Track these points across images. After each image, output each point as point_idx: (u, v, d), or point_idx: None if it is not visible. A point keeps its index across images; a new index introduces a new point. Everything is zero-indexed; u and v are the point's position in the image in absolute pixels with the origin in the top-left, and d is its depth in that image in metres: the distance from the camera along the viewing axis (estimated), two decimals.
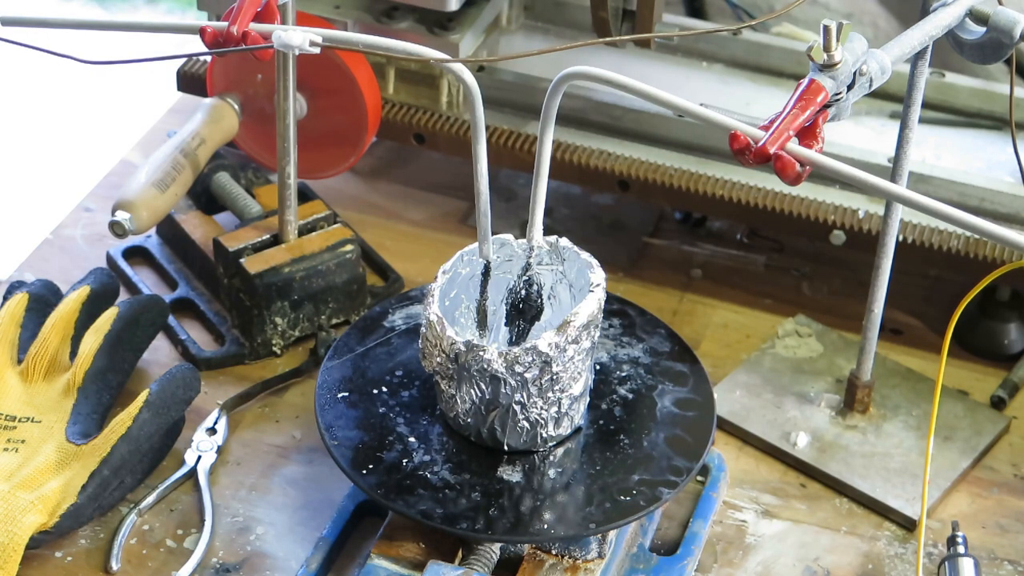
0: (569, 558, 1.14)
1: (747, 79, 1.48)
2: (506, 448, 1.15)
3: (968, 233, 1.31)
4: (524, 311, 1.20)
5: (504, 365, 1.11)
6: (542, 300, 1.19)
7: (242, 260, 1.33)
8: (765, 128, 0.97)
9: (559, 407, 1.14)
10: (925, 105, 1.32)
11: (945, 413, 1.30)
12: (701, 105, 1.01)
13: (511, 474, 1.14)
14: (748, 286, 1.44)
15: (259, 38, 1.08)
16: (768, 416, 1.30)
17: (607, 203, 1.52)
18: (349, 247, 1.36)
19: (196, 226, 1.41)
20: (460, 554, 1.13)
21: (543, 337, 1.11)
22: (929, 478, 1.20)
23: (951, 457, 1.27)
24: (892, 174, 1.19)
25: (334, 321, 1.37)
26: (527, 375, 1.11)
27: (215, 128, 1.38)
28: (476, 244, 1.17)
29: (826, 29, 0.99)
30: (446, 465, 1.15)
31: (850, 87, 1.01)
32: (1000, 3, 1.09)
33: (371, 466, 1.14)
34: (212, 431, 1.27)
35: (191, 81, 1.49)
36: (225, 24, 1.08)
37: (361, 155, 1.42)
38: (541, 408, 1.13)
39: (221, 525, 1.21)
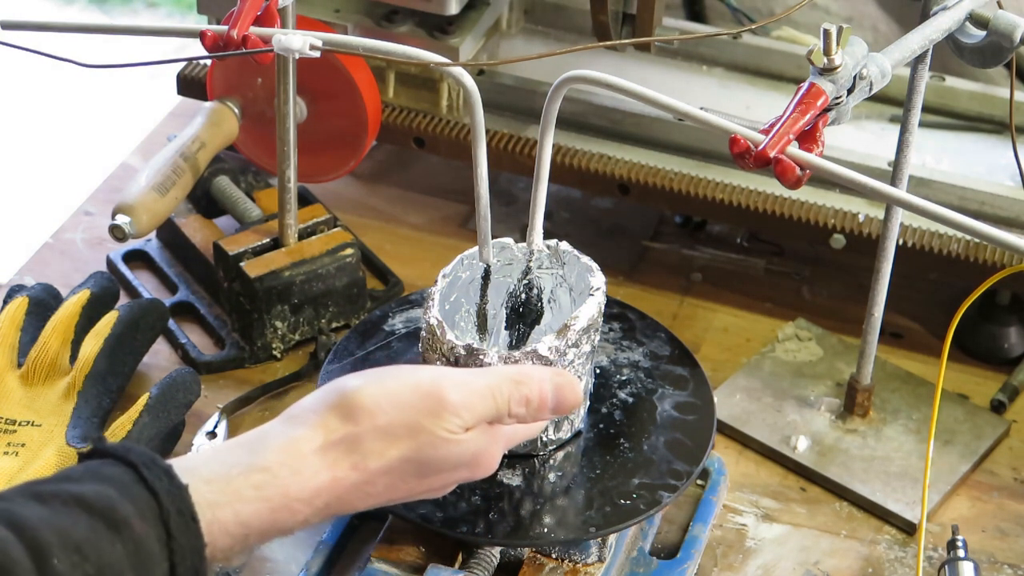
0: (569, 562, 1.14)
1: (747, 83, 1.49)
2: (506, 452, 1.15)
3: (968, 237, 1.31)
4: (524, 315, 1.20)
5: None
6: (542, 304, 1.19)
7: (242, 264, 1.33)
8: (765, 132, 0.97)
9: None
10: (925, 109, 1.32)
11: (945, 417, 1.30)
12: (701, 109, 1.01)
13: (511, 478, 1.14)
14: (748, 290, 1.44)
15: (259, 42, 1.08)
16: (768, 420, 1.30)
17: (607, 207, 1.52)
18: (349, 251, 1.36)
19: (196, 230, 1.41)
20: (460, 558, 1.13)
21: (543, 341, 1.10)
22: (929, 482, 1.20)
23: (951, 461, 1.27)
24: (892, 178, 1.19)
25: (334, 325, 1.37)
26: None
27: (215, 132, 1.38)
28: (476, 248, 1.17)
29: (826, 33, 0.99)
30: None
31: (850, 91, 1.01)
32: (1000, 7, 1.09)
33: None
34: (212, 435, 1.27)
35: (191, 85, 1.49)
36: (225, 28, 1.08)
37: (361, 159, 1.42)
38: None
39: None
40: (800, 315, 1.40)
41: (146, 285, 1.41)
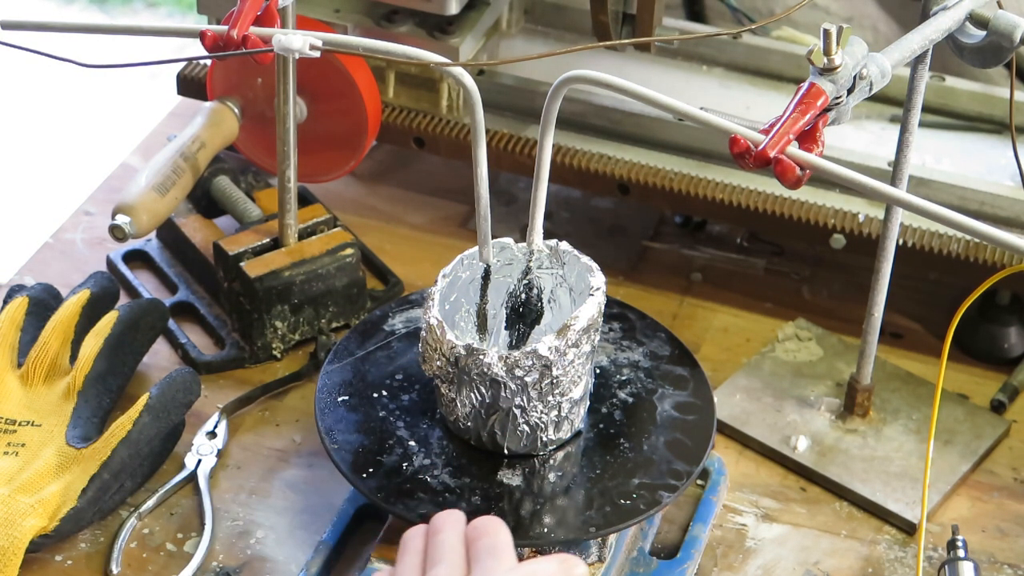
0: None
1: (747, 83, 1.49)
2: (506, 452, 1.15)
3: (968, 237, 1.31)
4: (524, 315, 1.20)
5: (504, 369, 1.11)
6: (542, 304, 1.19)
7: (242, 264, 1.33)
8: (765, 132, 0.97)
9: (559, 411, 1.14)
10: (925, 109, 1.32)
11: (945, 417, 1.30)
12: (701, 109, 1.01)
13: (511, 478, 1.14)
14: (748, 290, 1.44)
15: (259, 42, 1.08)
16: (768, 420, 1.30)
17: (607, 207, 1.52)
18: (349, 251, 1.36)
19: (196, 230, 1.41)
20: None
21: (543, 341, 1.10)
22: (929, 482, 1.20)
23: (951, 461, 1.27)
24: (892, 178, 1.19)
25: (334, 325, 1.37)
26: (527, 379, 1.11)
27: (215, 132, 1.38)
28: (476, 248, 1.17)
29: (826, 33, 0.99)
30: (446, 469, 1.15)
31: (850, 91, 1.01)
32: (1000, 7, 1.09)
33: (371, 470, 1.14)
34: (212, 435, 1.27)
35: (191, 85, 1.49)
36: (225, 28, 1.08)
37: (361, 159, 1.42)
38: (541, 412, 1.13)
39: (221, 529, 1.21)
40: (800, 315, 1.40)
41: (146, 285, 1.41)
